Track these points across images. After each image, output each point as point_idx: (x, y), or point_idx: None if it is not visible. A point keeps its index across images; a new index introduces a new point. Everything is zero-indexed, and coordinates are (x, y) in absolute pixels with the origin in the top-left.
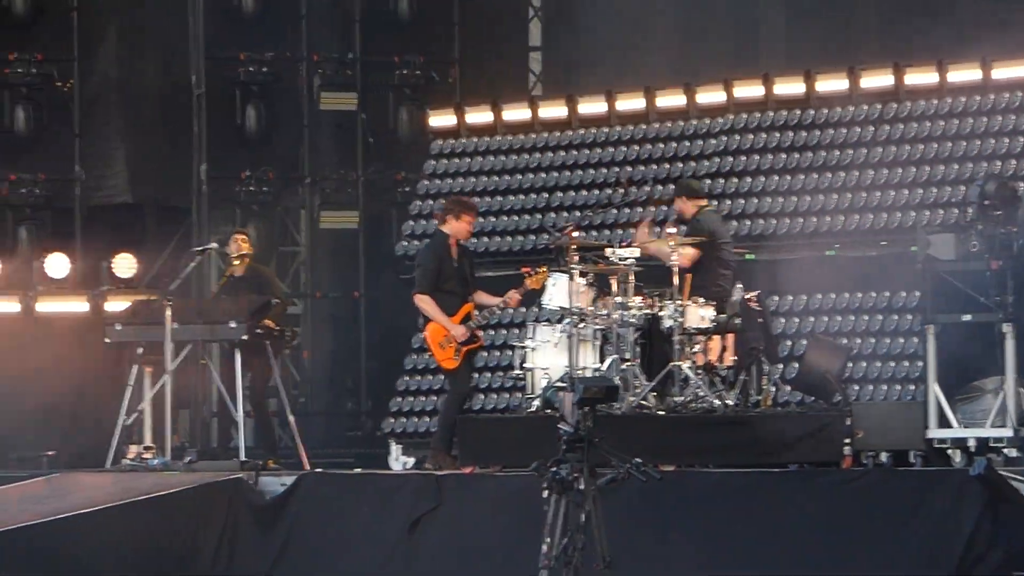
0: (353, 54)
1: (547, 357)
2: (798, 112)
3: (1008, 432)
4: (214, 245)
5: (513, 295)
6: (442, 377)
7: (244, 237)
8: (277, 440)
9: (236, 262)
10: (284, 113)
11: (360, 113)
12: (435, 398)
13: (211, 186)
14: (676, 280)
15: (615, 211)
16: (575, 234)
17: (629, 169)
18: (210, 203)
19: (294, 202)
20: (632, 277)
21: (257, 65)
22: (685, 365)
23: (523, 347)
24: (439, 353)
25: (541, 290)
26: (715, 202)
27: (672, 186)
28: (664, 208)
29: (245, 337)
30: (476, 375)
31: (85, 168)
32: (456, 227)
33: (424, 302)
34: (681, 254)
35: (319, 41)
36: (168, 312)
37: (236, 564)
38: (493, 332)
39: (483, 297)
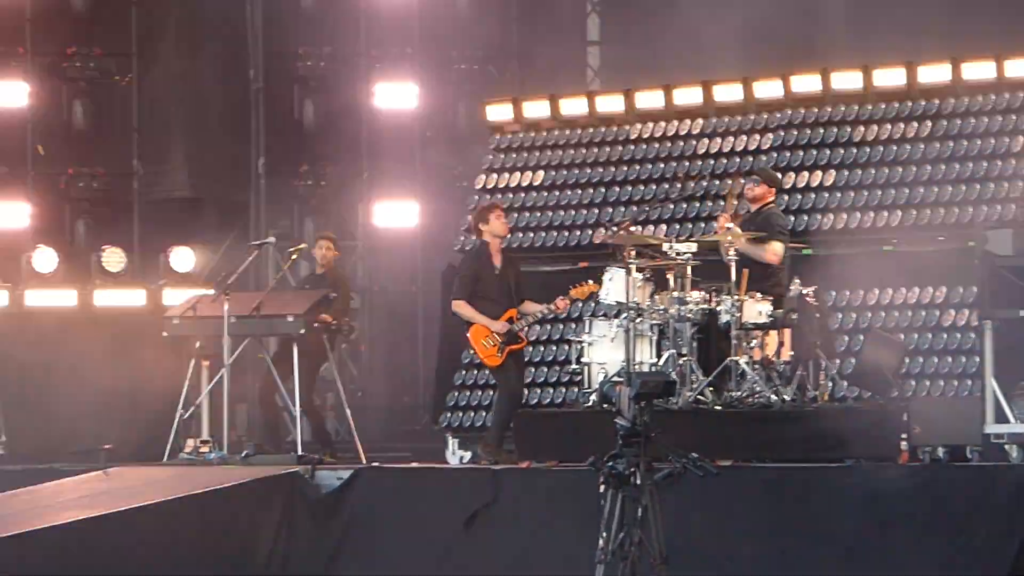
0: (411, 48)
1: (604, 352)
2: (855, 107)
3: None
4: (272, 239)
5: (559, 302)
6: None
7: (331, 245)
8: (332, 435)
9: (322, 264)
10: (342, 108)
11: (418, 107)
12: (492, 392)
13: (268, 180)
14: (733, 275)
15: (672, 206)
16: (632, 229)
17: (687, 164)
18: (268, 197)
19: (352, 196)
20: (689, 272)
21: (315, 59)
22: (742, 360)
23: (580, 342)
24: (482, 351)
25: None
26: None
27: (730, 180)
28: (722, 202)
29: (303, 331)
30: (527, 375)
31: (143, 163)
32: (490, 229)
33: (460, 306)
34: (766, 253)
35: (377, 36)
36: (226, 306)
37: (293, 558)
38: (550, 327)
39: (530, 306)
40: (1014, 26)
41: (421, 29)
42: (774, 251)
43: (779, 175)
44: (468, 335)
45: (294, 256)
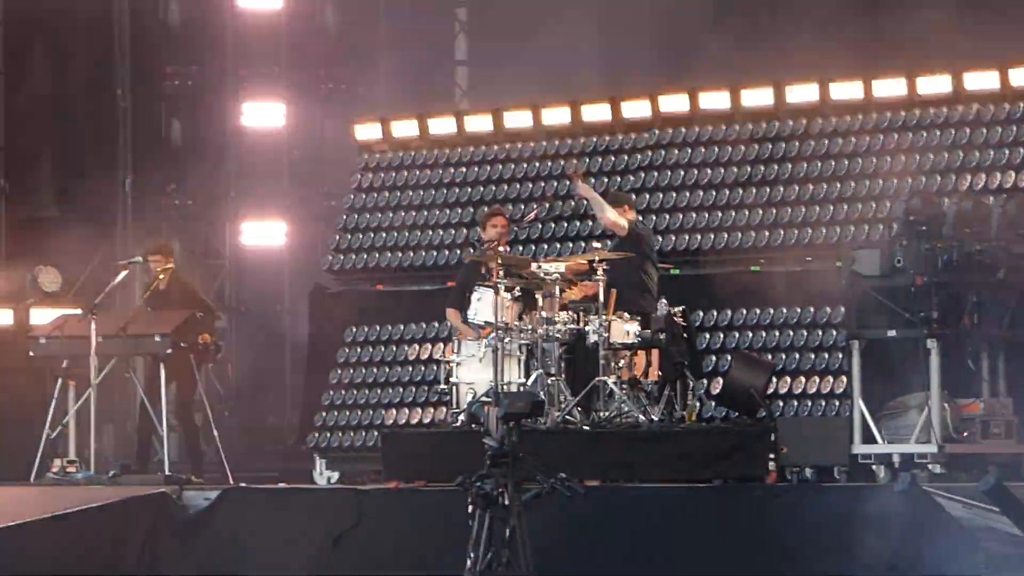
0: (278, 68)
1: (472, 372)
2: (723, 127)
3: (933, 448)
4: (139, 258)
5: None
6: (366, 392)
7: (161, 258)
8: (197, 454)
9: (161, 276)
10: (210, 126)
11: (286, 126)
12: (360, 412)
13: (136, 199)
14: (601, 295)
15: (540, 225)
16: (500, 249)
17: (555, 183)
18: (135, 216)
19: (219, 215)
20: (558, 291)
21: (183, 78)
22: (610, 380)
23: (448, 361)
24: None
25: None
26: (640, 219)
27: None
28: (590, 223)
29: (170, 351)
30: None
31: (11, 181)
32: (486, 236)
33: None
34: (609, 211)
35: (244, 55)
36: (92, 326)
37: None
38: (419, 347)
39: None
40: (880, 47)
41: (289, 48)
42: (614, 214)
43: (631, 195)
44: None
45: (162, 276)
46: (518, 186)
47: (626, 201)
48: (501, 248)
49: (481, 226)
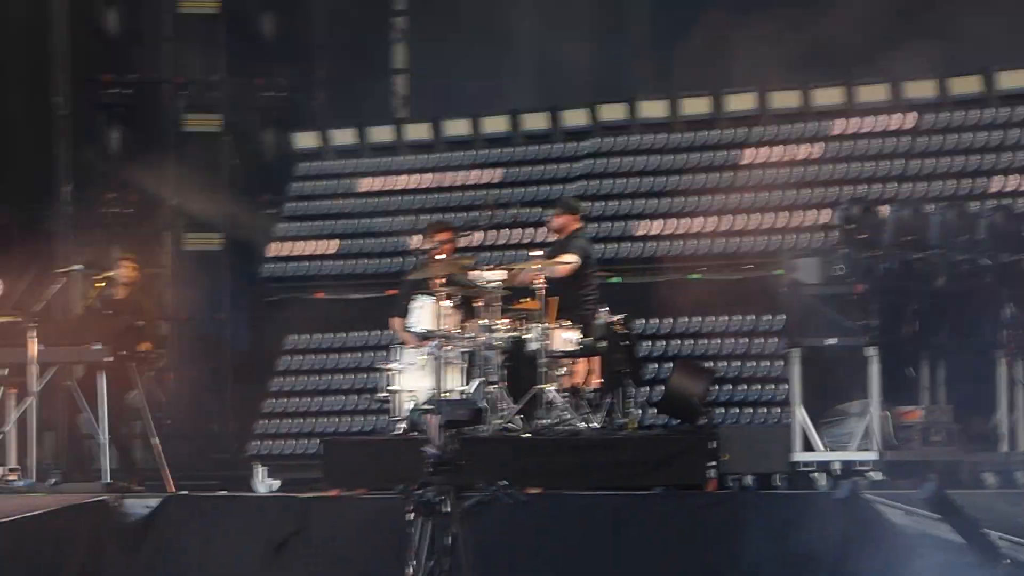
0: (218, 76)
1: (413, 379)
2: (663, 135)
3: (873, 455)
4: (78, 267)
5: None
6: (307, 400)
7: (133, 265)
8: (139, 463)
9: (124, 285)
10: (149, 135)
11: (225, 135)
12: (300, 421)
13: (75, 208)
14: (540, 303)
15: (481, 234)
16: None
17: (496, 192)
18: (74, 224)
19: (158, 224)
20: (498, 300)
21: (122, 87)
22: (550, 388)
23: (389, 369)
24: None
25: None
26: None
27: (540, 208)
28: (532, 230)
29: (110, 359)
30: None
31: None
32: (429, 246)
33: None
34: (559, 267)
35: (183, 63)
36: (32, 334)
37: None
38: (359, 354)
39: None
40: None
41: (228, 56)
42: (564, 261)
43: (582, 203)
44: None
45: (101, 284)
46: (458, 194)
47: (577, 210)
48: (441, 256)
49: (426, 237)
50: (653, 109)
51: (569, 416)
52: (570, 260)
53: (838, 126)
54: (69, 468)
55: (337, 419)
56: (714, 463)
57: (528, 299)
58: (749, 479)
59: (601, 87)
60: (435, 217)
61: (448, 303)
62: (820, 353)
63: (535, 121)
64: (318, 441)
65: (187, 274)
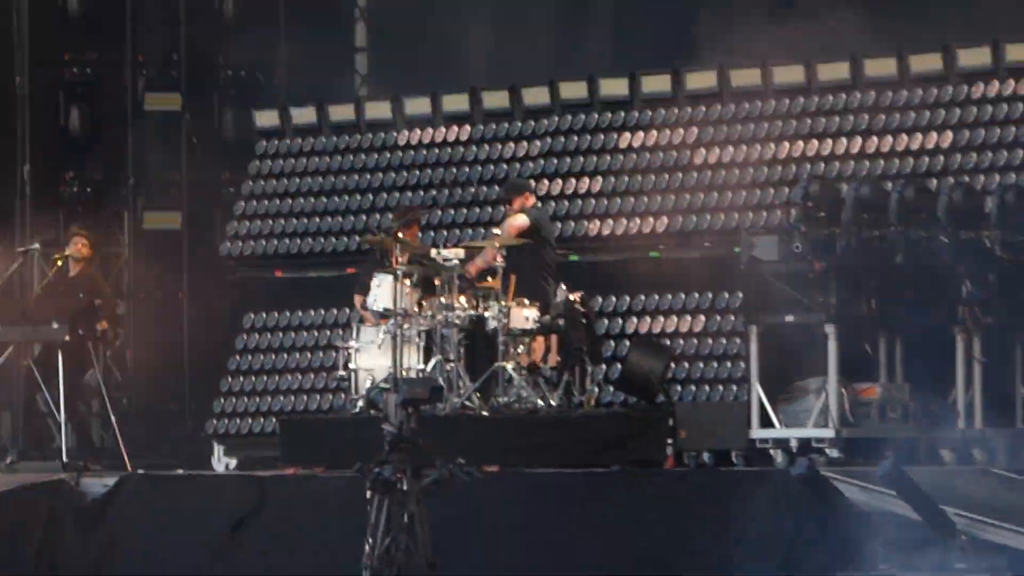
0: (177, 55)
1: (371, 358)
2: (622, 114)
3: (830, 432)
4: (37, 246)
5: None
6: (265, 379)
7: (86, 241)
8: (97, 442)
9: (77, 261)
10: (108, 114)
11: (184, 114)
12: (259, 399)
13: (34, 187)
14: (500, 281)
15: (440, 212)
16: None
17: (455, 170)
18: (33, 204)
19: (117, 203)
20: (456, 278)
21: (81, 66)
22: (509, 366)
23: (347, 348)
24: None
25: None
26: (539, 203)
27: (497, 187)
28: (490, 209)
29: (67, 338)
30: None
31: None
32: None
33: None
34: (510, 227)
35: (143, 42)
36: None
37: (58, 566)
38: (317, 333)
39: None
40: (780, 34)
41: (187, 35)
42: (511, 222)
43: (529, 180)
44: None
45: (59, 263)
46: (418, 173)
47: (526, 188)
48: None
49: (399, 225)
50: (613, 87)
51: (527, 394)
52: (518, 220)
53: (797, 104)
54: (26, 447)
55: (295, 398)
56: (672, 440)
57: (490, 278)
58: (707, 456)
59: (560, 64)
60: (403, 203)
61: (407, 281)
62: (778, 330)
63: (495, 99)
64: (276, 420)
65: (146, 253)
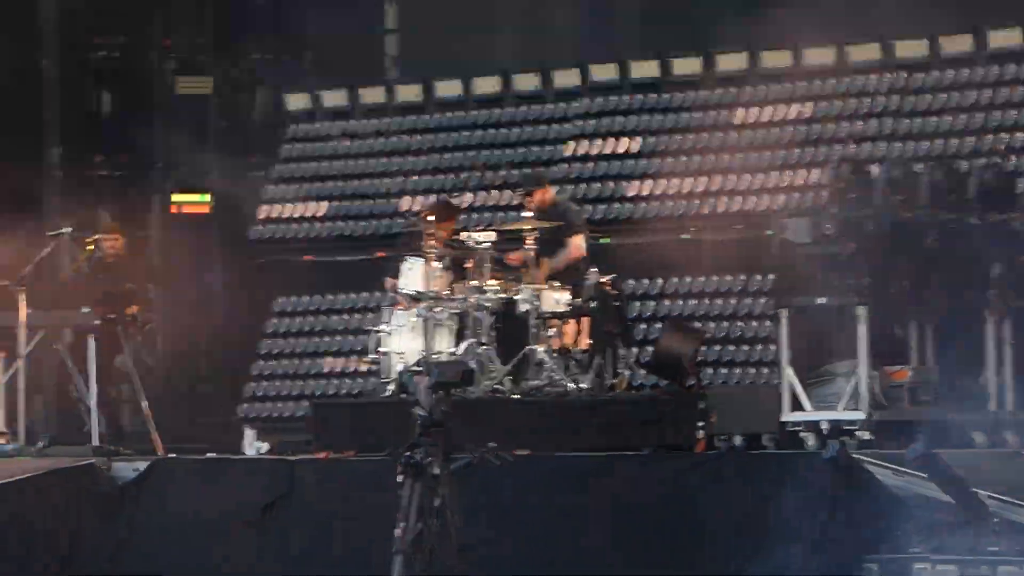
0: (204, 39)
1: (402, 341)
2: (654, 96)
3: (861, 415)
4: (67, 229)
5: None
6: (296, 362)
7: (118, 235)
8: (127, 427)
9: (110, 250)
10: (138, 98)
11: (215, 97)
12: (290, 383)
13: (64, 171)
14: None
15: (471, 195)
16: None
17: (485, 153)
18: (63, 188)
19: (147, 187)
20: (488, 261)
21: (110, 49)
22: (540, 349)
23: (378, 331)
24: None
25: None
26: (571, 186)
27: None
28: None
29: (98, 323)
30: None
31: None
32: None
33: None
34: (570, 249)
35: (173, 25)
36: (21, 297)
37: (90, 548)
38: (348, 316)
39: None
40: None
41: (216, 18)
42: (577, 246)
43: (543, 170)
44: None
45: (90, 247)
46: (448, 156)
47: (545, 179)
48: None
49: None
50: (644, 69)
51: (558, 377)
52: (580, 244)
53: (827, 86)
54: (58, 432)
55: (326, 381)
56: (703, 424)
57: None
58: (738, 439)
59: (592, 46)
60: (443, 197)
61: (438, 264)
62: (809, 313)
63: (526, 82)
64: (307, 403)
65: (176, 237)
